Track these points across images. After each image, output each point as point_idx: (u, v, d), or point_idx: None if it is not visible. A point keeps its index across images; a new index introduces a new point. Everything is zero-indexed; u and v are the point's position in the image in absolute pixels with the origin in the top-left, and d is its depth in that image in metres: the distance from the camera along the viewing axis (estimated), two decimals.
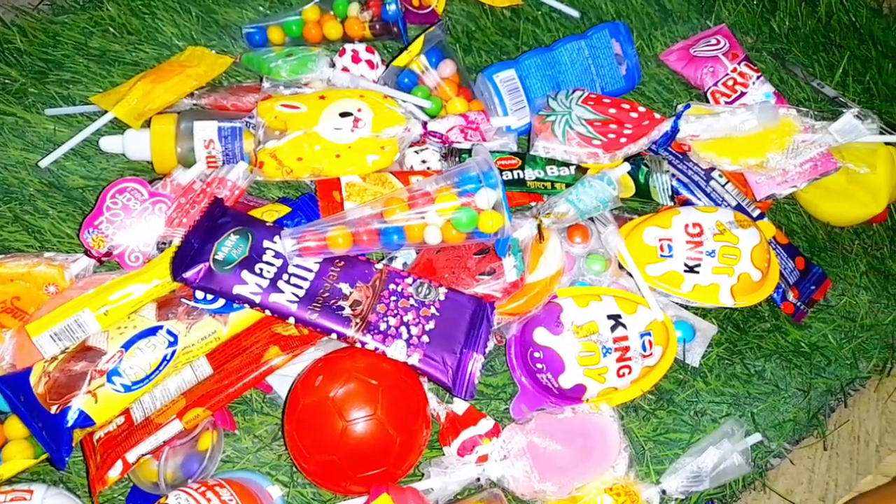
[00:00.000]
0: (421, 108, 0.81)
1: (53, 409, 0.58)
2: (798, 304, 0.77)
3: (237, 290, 0.61)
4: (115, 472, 0.59)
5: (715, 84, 0.88)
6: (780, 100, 0.87)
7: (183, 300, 0.63)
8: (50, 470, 0.65)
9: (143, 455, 0.60)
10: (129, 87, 0.80)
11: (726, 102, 0.87)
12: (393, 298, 0.65)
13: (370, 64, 0.83)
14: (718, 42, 0.91)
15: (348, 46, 0.83)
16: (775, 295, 0.77)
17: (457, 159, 0.77)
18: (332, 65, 0.82)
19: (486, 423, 0.64)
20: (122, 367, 0.60)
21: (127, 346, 0.60)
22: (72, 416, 0.58)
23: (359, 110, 0.75)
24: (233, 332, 0.64)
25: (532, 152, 0.78)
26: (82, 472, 0.64)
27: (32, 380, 0.60)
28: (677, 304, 0.74)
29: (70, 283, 0.68)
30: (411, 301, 0.65)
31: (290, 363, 0.64)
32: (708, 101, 0.88)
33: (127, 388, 0.60)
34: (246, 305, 0.63)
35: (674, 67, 0.93)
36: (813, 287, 0.78)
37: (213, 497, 0.57)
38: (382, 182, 0.74)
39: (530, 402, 0.69)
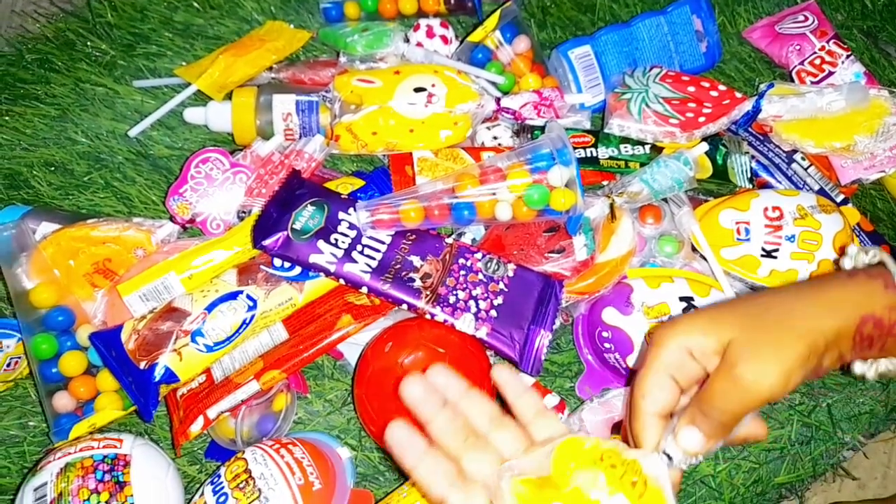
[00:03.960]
0: (494, 83, 0.80)
1: (142, 365, 0.62)
2: None
3: (313, 258, 0.63)
4: (196, 427, 0.62)
5: (801, 63, 0.84)
6: (870, 80, 0.83)
7: (262, 267, 0.65)
8: (136, 422, 0.69)
9: (222, 412, 0.63)
10: (211, 61, 0.83)
11: (812, 82, 0.83)
12: (462, 273, 0.66)
13: (444, 39, 0.83)
14: (806, 19, 0.87)
15: (423, 21, 0.83)
16: None
17: (529, 136, 0.77)
18: (407, 40, 0.83)
19: (551, 399, 0.65)
20: (205, 329, 0.63)
21: (210, 308, 0.63)
22: (159, 372, 0.62)
23: (433, 86, 0.76)
24: (308, 299, 0.66)
25: (606, 130, 0.77)
26: (165, 425, 0.68)
27: (123, 336, 0.63)
28: (753, 289, 0.72)
29: (156, 247, 0.71)
30: (480, 276, 0.66)
31: (361, 332, 0.65)
32: (793, 81, 0.85)
33: (209, 349, 0.63)
34: (321, 274, 0.64)
35: (757, 45, 0.89)
36: None
37: (287, 454, 0.59)
38: (454, 157, 0.75)
39: (596, 381, 0.69)
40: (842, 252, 0.52)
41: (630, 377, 0.46)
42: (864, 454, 0.71)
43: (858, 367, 0.43)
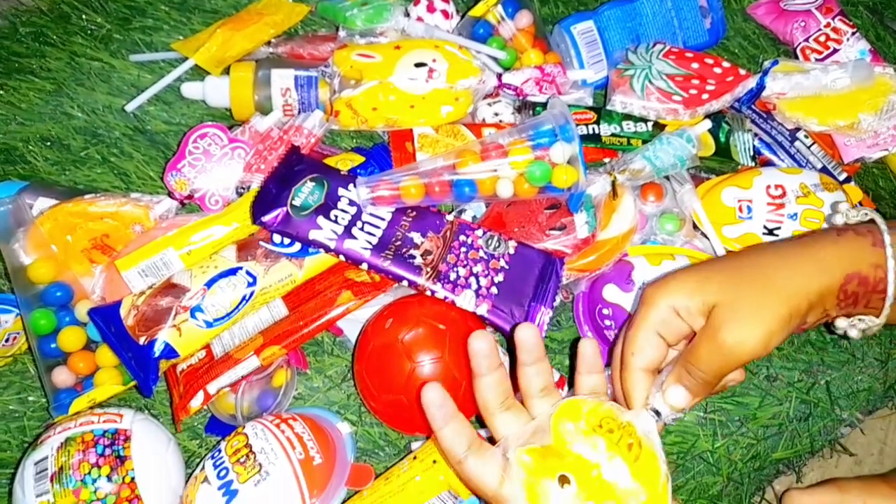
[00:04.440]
0: (495, 59, 0.80)
1: (142, 341, 0.62)
2: None
3: (313, 235, 0.63)
4: (196, 402, 0.62)
5: (806, 40, 0.84)
6: (875, 58, 0.82)
7: (261, 243, 0.65)
8: (136, 397, 0.69)
9: (222, 388, 0.63)
10: (208, 35, 0.82)
11: (817, 59, 0.83)
12: (463, 250, 0.66)
13: (445, 14, 0.82)
14: None
15: None
16: None
17: (531, 112, 0.76)
18: (407, 14, 0.82)
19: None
20: (205, 304, 0.62)
21: (209, 284, 0.63)
22: (158, 348, 0.62)
23: (433, 61, 0.75)
24: (308, 275, 0.66)
25: (608, 107, 0.77)
26: (165, 401, 0.68)
27: (122, 312, 0.63)
28: None
29: (154, 223, 0.71)
30: (481, 253, 0.66)
31: (361, 308, 0.65)
32: (797, 58, 0.84)
33: (208, 324, 0.63)
34: (321, 250, 0.64)
35: (762, 21, 0.88)
36: None
37: (287, 429, 0.60)
38: (455, 134, 0.74)
39: None
40: (834, 208, 0.53)
41: (619, 332, 0.49)
42: (861, 431, 0.72)
43: (841, 325, 0.44)
